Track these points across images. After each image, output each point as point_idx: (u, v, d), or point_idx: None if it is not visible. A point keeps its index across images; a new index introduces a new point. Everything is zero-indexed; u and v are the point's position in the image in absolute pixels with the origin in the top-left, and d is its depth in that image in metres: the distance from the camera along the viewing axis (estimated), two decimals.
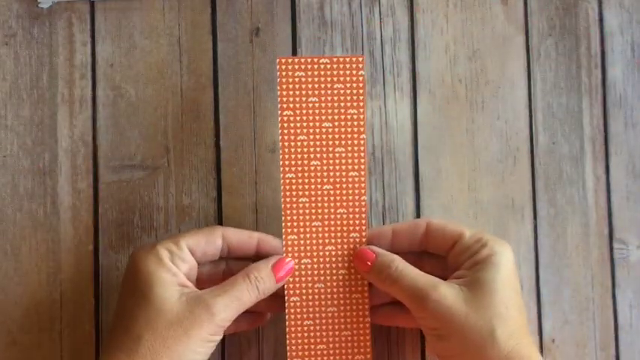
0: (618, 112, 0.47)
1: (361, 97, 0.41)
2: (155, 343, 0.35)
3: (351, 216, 0.41)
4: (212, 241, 0.39)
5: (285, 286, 0.40)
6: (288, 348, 0.40)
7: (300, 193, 0.41)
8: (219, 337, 0.37)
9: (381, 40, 0.46)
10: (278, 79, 0.41)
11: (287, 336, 0.40)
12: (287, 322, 0.40)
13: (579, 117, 0.47)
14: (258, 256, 0.40)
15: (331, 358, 0.40)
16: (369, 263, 0.39)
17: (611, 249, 0.46)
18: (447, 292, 0.36)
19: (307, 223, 0.41)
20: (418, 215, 0.45)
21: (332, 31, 0.46)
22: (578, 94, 0.47)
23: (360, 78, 0.41)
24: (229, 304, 0.36)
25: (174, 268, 0.37)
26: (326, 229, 0.41)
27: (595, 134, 0.47)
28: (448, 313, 0.36)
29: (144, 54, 0.45)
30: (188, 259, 0.38)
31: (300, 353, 0.40)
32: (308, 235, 0.41)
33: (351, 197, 0.41)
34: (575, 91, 0.47)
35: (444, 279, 0.38)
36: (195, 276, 0.39)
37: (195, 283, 0.39)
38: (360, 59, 0.41)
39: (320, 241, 0.41)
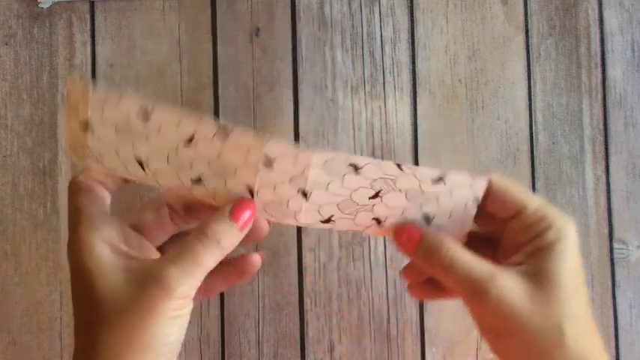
0: (618, 112, 0.47)
1: None
2: (112, 339, 0.29)
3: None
4: (92, 190, 0.33)
5: None
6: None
7: None
8: (188, 309, 0.31)
9: (381, 40, 0.46)
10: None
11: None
12: None
13: (579, 117, 0.47)
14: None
15: None
16: (414, 243, 0.33)
17: (611, 249, 0.46)
18: (509, 286, 0.31)
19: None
20: None
21: (332, 31, 0.46)
22: (578, 94, 0.47)
23: None
24: (188, 271, 0.30)
25: (107, 245, 0.31)
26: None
27: (595, 134, 0.47)
28: (510, 311, 0.30)
29: (144, 54, 0.45)
30: (105, 219, 0.32)
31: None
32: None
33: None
34: (575, 91, 0.47)
35: (492, 241, 0.34)
36: (125, 227, 0.33)
37: (142, 230, 0.34)
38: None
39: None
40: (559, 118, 0.47)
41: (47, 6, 0.45)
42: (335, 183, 0.31)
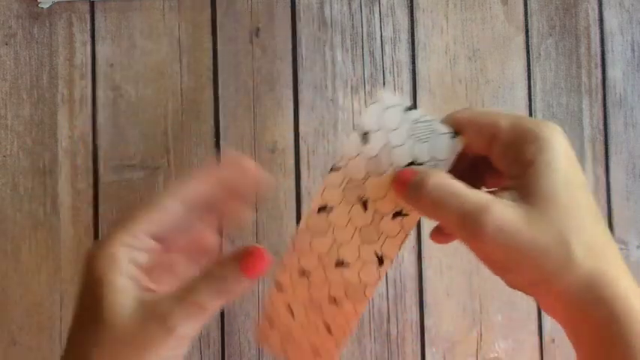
0: (618, 112, 0.47)
1: None
2: None
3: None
4: (168, 211, 0.32)
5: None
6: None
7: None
8: (184, 349, 0.31)
9: (381, 40, 0.46)
10: None
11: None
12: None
13: (579, 117, 0.47)
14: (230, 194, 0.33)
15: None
16: (406, 181, 0.31)
17: None
18: (505, 214, 0.28)
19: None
20: (419, 222, 0.45)
21: (332, 31, 0.46)
22: (578, 94, 0.47)
23: None
24: (190, 315, 0.30)
25: (132, 269, 0.31)
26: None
27: (595, 134, 0.47)
28: (512, 242, 0.28)
29: (144, 54, 0.45)
30: (148, 246, 0.32)
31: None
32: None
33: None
34: (575, 91, 0.47)
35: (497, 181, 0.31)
36: (166, 256, 0.33)
37: (169, 261, 0.33)
38: None
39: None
40: (559, 118, 0.47)
41: (47, 6, 0.45)
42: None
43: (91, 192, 0.44)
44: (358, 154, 0.31)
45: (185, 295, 0.30)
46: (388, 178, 0.32)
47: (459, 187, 0.29)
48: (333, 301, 0.34)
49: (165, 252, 0.33)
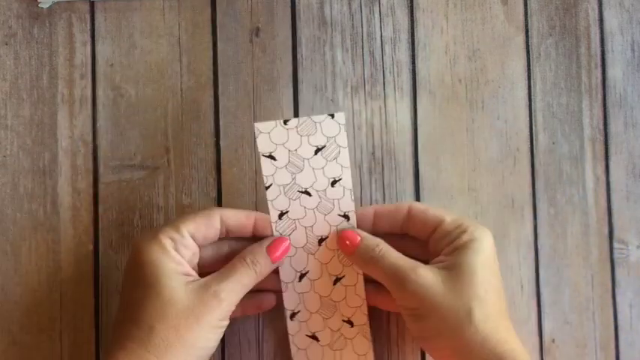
0: (618, 112, 0.47)
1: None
2: (168, 332, 0.35)
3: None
4: (211, 224, 0.39)
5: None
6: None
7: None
8: (226, 323, 0.38)
9: (381, 40, 0.46)
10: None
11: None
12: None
13: (579, 117, 0.47)
14: (256, 235, 0.41)
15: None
16: (354, 246, 0.40)
17: (611, 249, 0.46)
18: (426, 273, 0.37)
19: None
20: None
21: (332, 31, 0.46)
22: (578, 94, 0.47)
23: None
24: (233, 289, 0.37)
25: (178, 256, 0.38)
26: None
27: (595, 134, 0.47)
28: (426, 293, 0.36)
29: (144, 54, 0.45)
30: (190, 245, 0.38)
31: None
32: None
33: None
34: (575, 91, 0.47)
35: (426, 263, 0.39)
36: (197, 260, 0.40)
37: (197, 267, 0.40)
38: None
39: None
40: (559, 118, 0.47)
41: (47, 6, 0.45)
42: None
43: (91, 192, 0.44)
44: (276, 170, 0.40)
45: (228, 275, 0.38)
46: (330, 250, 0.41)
47: (397, 254, 0.39)
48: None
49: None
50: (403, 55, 0.46)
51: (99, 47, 0.45)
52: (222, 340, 0.43)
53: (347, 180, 0.41)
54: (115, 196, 0.44)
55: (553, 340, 0.45)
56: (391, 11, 0.46)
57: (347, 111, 0.45)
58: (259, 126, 0.40)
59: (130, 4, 0.45)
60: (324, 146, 0.40)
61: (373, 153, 0.45)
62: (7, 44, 0.45)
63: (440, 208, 0.41)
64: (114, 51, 0.45)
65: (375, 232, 0.41)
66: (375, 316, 0.44)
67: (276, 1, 0.46)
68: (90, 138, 0.45)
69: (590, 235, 0.46)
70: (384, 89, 0.46)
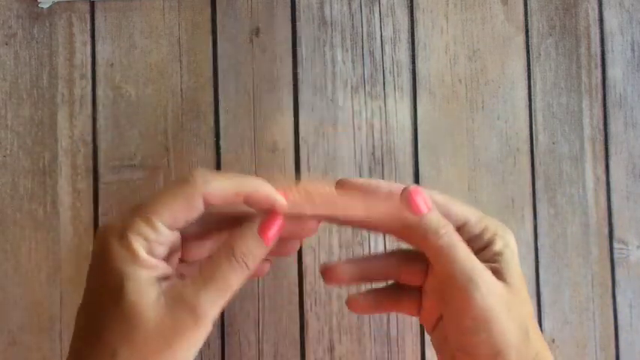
0: (618, 112, 0.47)
1: None
2: (132, 356, 0.29)
3: None
4: (192, 207, 0.31)
5: None
6: None
7: None
8: (207, 334, 0.31)
9: (381, 40, 0.46)
10: None
11: None
12: None
13: (579, 117, 0.47)
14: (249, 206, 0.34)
15: None
16: (429, 207, 0.33)
17: (611, 249, 0.46)
18: (494, 280, 0.32)
19: None
20: None
21: (332, 31, 0.46)
22: (578, 94, 0.47)
23: None
24: (217, 298, 0.30)
25: (151, 260, 0.30)
26: None
27: (595, 134, 0.47)
28: (496, 303, 0.32)
29: (144, 54, 0.45)
30: (166, 239, 0.31)
31: None
32: None
33: None
34: (575, 91, 0.47)
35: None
36: (178, 245, 0.33)
37: (180, 247, 0.33)
38: None
39: None
40: (559, 118, 0.47)
41: (47, 6, 0.45)
42: None
43: (91, 192, 0.44)
44: None
45: (209, 277, 0.30)
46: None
47: (463, 247, 0.33)
48: None
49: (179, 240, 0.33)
50: (403, 55, 0.46)
51: (99, 47, 0.45)
52: (222, 340, 0.43)
53: None
54: (115, 196, 0.44)
55: (553, 340, 0.45)
56: (391, 11, 0.46)
57: (347, 111, 0.45)
58: None
59: (130, 4, 0.45)
60: None
61: (373, 153, 0.45)
62: (7, 44, 0.45)
63: (458, 202, 0.35)
64: (114, 51, 0.45)
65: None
66: (375, 316, 0.44)
67: (276, 1, 0.46)
68: (90, 138, 0.45)
69: (590, 235, 0.46)
70: (384, 89, 0.46)
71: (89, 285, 0.32)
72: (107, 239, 0.30)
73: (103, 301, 0.30)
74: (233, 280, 0.31)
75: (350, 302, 0.37)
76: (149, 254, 0.30)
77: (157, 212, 0.31)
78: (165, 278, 0.31)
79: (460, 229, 0.34)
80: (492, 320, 0.32)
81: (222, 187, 0.31)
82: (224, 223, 0.34)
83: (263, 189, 0.32)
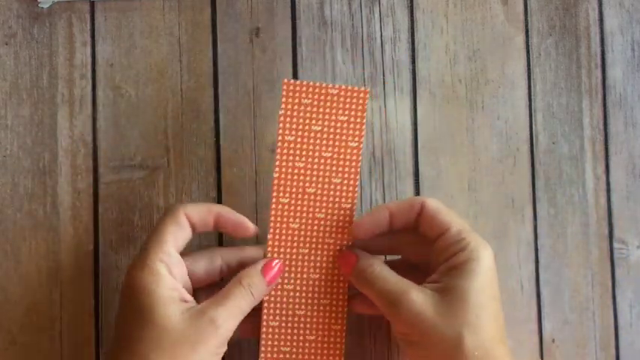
0: (618, 112, 0.47)
1: (362, 130, 0.41)
2: None
3: (338, 246, 0.41)
4: (180, 224, 0.38)
5: (264, 308, 0.40)
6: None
7: (292, 218, 0.41)
8: (224, 349, 0.37)
9: (381, 40, 0.46)
10: (282, 102, 0.40)
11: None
12: (262, 345, 0.41)
13: (579, 117, 0.47)
14: (218, 228, 0.40)
15: None
16: (351, 266, 0.40)
17: (611, 249, 0.46)
18: (418, 298, 0.36)
19: (293, 250, 0.41)
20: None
21: (332, 31, 0.46)
22: (578, 94, 0.47)
23: (363, 111, 0.41)
24: (230, 314, 0.37)
25: (172, 281, 0.37)
26: (312, 257, 0.41)
27: (595, 134, 0.47)
28: (417, 319, 0.36)
29: (144, 54, 0.45)
30: (178, 260, 0.38)
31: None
32: (295, 263, 0.41)
33: (340, 228, 0.41)
34: (575, 91, 0.47)
35: (425, 268, 0.39)
36: (185, 271, 0.39)
37: (190, 283, 0.39)
38: (365, 91, 0.40)
39: (305, 268, 0.41)
40: (559, 118, 0.47)
41: (47, 6, 0.45)
42: None
43: (91, 192, 0.44)
44: None
45: (225, 300, 0.37)
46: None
47: (390, 274, 0.38)
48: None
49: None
50: (403, 55, 0.46)
51: (99, 47, 0.45)
52: None
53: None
54: (115, 196, 0.44)
55: (553, 340, 0.45)
56: (391, 11, 0.46)
57: None
58: None
59: (130, 4, 0.45)
60: None
61: (373, 153, 0.45)
62: (7, 44, 0.45)
63: (450, 212, 0.39)
64: (114, 51, 0.45)
65: (391, 232, 0.40)
66: (375, 316, 0.44)
67: (276, 1, 0.46)
68: (90, 138, 0.45)
69: (590, 235, 0.46)
70: (384, 89, 0.46)
71: (121, 305, 0.38)
72: (132, 273, 0.37)
73: (134, 315, 0.36)
74: (242, 303, 0.37)
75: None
76: (170, 274, 0.37)
77: (160, 241, 0.37)
78: (185, 301, 0.37)
79: (439, 237, 0.38)
80: (417, 333, 0.36)
81: (197, 206, 0.39)
82: None
83: (230, 211, 0.40)
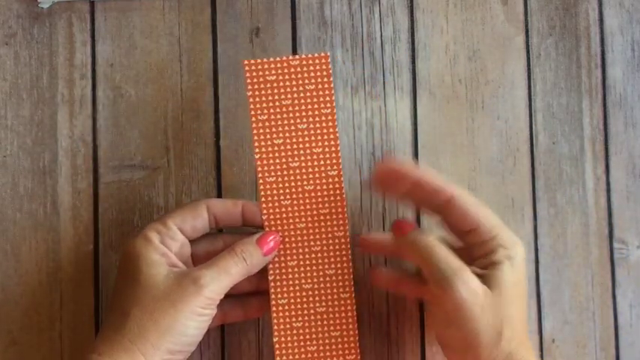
0: (618, 112, 0.47)
1: (331, 96, 0.41)
2: (143, 317, 0.36)
3: (333, 215, 0.41)
4: (198, 214, 0.39)
5: (271, 287, 0.41)
6: (276, 348, 0.41)
7: (282, 195, 0.41)
8: (210, 312, 0.37)
9: (381, 40, 0.46)
10: (247, 83, 0.41)
11: (275, 337, 0.41)
12: (274, 324, 0.41)
13: (579, 117, 0.47)
14: (246, 224, 0.41)
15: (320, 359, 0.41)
16: (406, 229, 0.40)
17: (611, 249, 0.46)
18: (472, 281, 0.36)
19: (290, 226, 0.41)
20: (418, 217, 0.45)
21: (332, 31, 0.46)
22: (578, 94, 0.47)
23: (329, 76, 0.41)
24: (217, 277, 0.37)
25: (162, 248, 0.38)
26: (310, 230, 0.41)
27: (595, 134, 0.47)
28: (468, 302, 0.36)
29: (144, 54, 0.45)
30: (177, 237, 0.39)
31: (288, 353, 0.41)
32: (294, 239, 0.41)
33: (332, 196, 0.41)
34: (575, 91, 0.47)
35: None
36: (188, 253, 0.40)
37: (190, 259, 0.40)
38: (325, 56, 0.41)
39: (305, 242, 0.41)
40: (559, 118, 0.47)
41: (47, 6, 0.45)
42: None
43: (91, 192, 0.44)
44: None
45: (212, 264, 0.38)
46: None
47: (445, 251, 0.38)
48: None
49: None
50: (403, 55, 0.46)
51: (99, 47, 0.45)
52: (222, 340, 0.43)
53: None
54: (115, 196, 0.44)
55: (553, 340, 0.45)
56: (391, 11, 0.46)
57: (347, 111, 0.45)
58: None
59: (130, 4, 0.45)
60: None
61: (373, 153, 0.45)
62: (7, 44, 0.45)
63: (478, 202, 0.39)
64: (114, 51, 0.45)
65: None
66: (375, 316, 0.44)
67: (276, 1, 0.46)
68: (90, 138, 0.45)
69: (590, 235, 0.46)
70: (384, 89, 0.46)
71: (117, 271, 0.39)
72: (129, 240, 0.39)
73: (124, 277, 0.38)
74: (232, 269, 0.38)
75: (373, 274, 0.42)
76: (161, 243, 0.38)
77: (168, 216, 0.39)
78: (174, 267, 0.38)
79: (470, 232, 0.38)
80: (463, 316, 0.36)
81: (221, 200, 0.41)
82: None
83: (256, 204, 0.41)
